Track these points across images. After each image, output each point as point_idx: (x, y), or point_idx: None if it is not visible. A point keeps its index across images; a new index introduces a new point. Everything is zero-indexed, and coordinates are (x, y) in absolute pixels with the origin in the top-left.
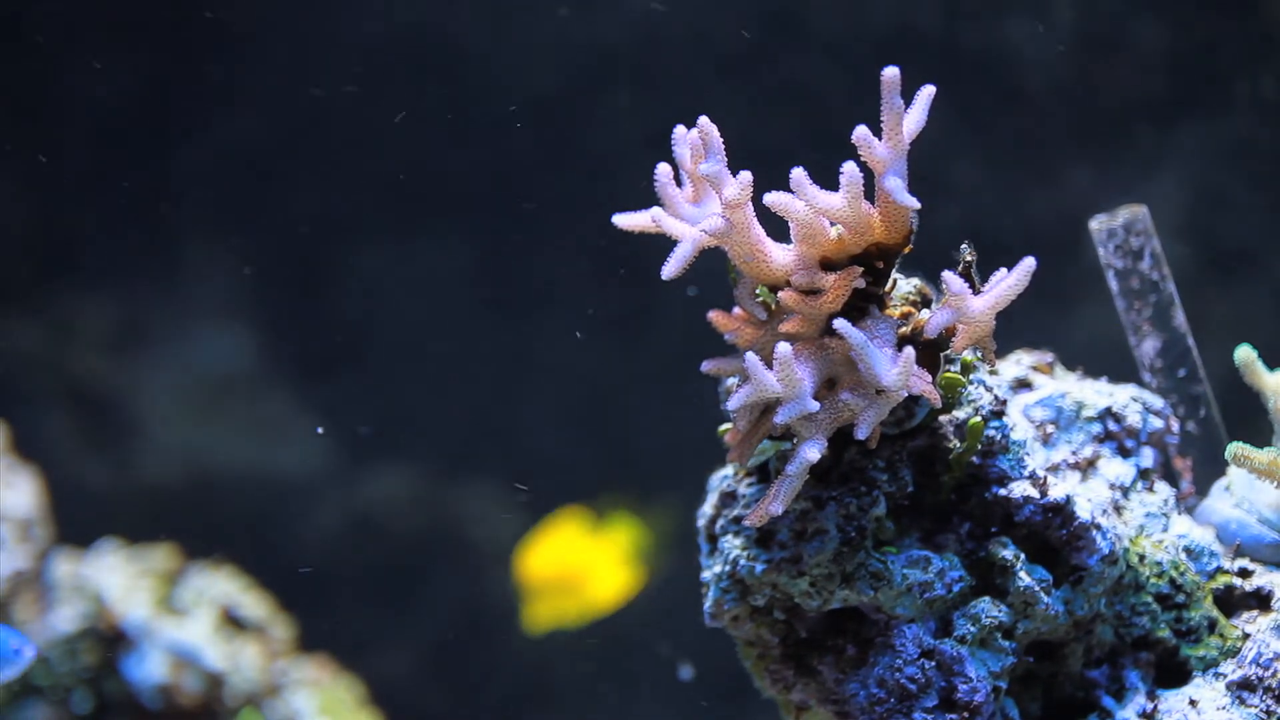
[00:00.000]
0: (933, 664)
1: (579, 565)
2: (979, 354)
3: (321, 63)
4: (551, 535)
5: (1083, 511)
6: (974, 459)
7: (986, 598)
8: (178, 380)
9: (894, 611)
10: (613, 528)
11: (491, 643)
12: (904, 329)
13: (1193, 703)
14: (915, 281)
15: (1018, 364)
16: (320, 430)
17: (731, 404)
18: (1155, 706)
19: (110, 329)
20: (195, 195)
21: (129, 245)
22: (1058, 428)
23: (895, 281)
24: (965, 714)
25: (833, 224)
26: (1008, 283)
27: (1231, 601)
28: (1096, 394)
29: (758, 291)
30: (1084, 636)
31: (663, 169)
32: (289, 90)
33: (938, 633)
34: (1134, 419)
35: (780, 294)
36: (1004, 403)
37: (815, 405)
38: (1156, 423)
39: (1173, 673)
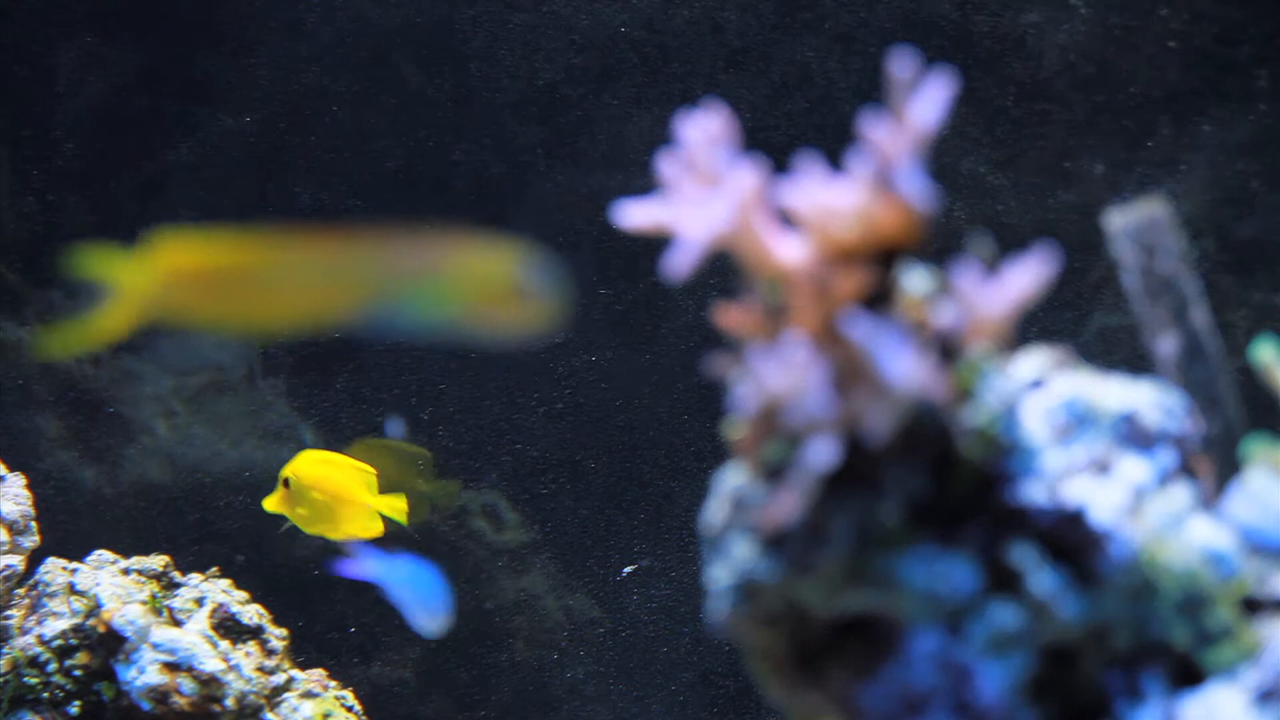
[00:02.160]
0: (945, 670)
1: (339, 489)
2: (992, 352)
3: (321, 54)
4: (327, 456)
5: (1099, 513)
6: (988, 459)
7: (1001, 603)
8: (172, 381)
9: (906, 616)
10: (391, 473)
11: (492, 648)
12: (915, 327)
13: (1210, 709)
14: (929, 278)
15: (1033, 362)
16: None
17: (738, 404)
18: (1172, 713)
19: None
20: (190, 192)
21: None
22: (1074, 427)
23: (907, 278)
24: None
25: (843, 219)
26: (1023, 279)
27: (1251, 606)
28: (1114, 393)
29: (765, 288)
30: (1099, 642)
31: (668, 161)
32: (286, 83)
33: (950, 638)
34: (1152, 418)
35: (789, 290)
36: (1018, 402)
37: (825, 405)
38: (1175, 422)
39: (1190, 678)
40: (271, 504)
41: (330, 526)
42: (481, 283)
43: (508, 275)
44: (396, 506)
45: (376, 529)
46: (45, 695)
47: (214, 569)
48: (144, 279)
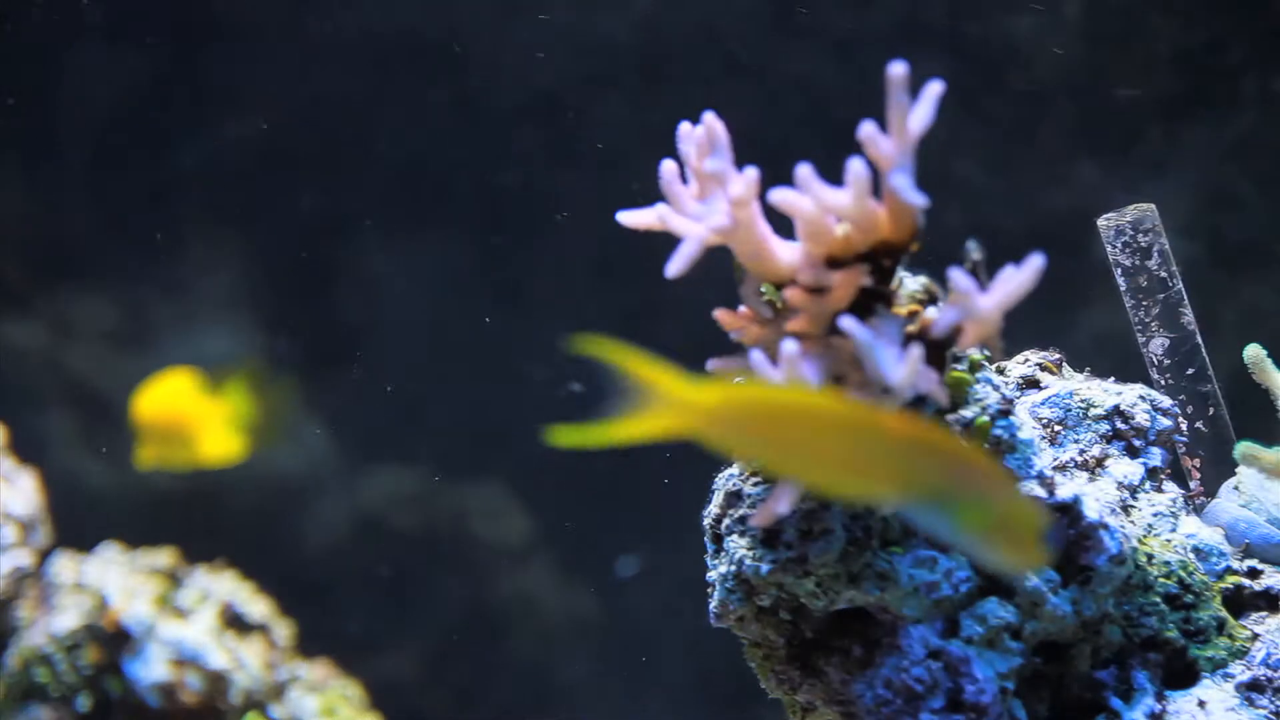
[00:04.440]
0: (940, 665)
1: (190, 416)
2: (986, 353)
3: (323, 58)
4: (166, 382)
5: (1090, 511)
6: None
7: (994, 598)
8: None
9: (901, 612)
10: (229, 390)
11: (494, 644)
12: (911, 327)
13: (1201, 704)
14: (922, 279)
15: (1025, 363)
16: (318, 431)
17: None
18: (1163, 708)
19: (110, 327)
20: (196, 193)
21: (129, 243)
22: (1065, 427)
23: (902, 279)
24: (972, 715)
25: (839, 221)
26: (1016, 281)
27: (1240, 602)
28: (1104, 393)
29: (763, 290)
30: (1092, 637)
31: (668, 166)
32: (290, 86)
33: (945, 633)
34: (1142, 418)
35: (786, 292)
36: (1011, 402)
37: None
38: (1165, 422)
39: (1181, 674)
40: (145, 458)
41: (194, 450)
42: (1011, 522)
43: (1034, 524)
44: (236, 405)
45: (236, 449)
46: (54, 691)
47: (221, 565)
48: (684, 408)
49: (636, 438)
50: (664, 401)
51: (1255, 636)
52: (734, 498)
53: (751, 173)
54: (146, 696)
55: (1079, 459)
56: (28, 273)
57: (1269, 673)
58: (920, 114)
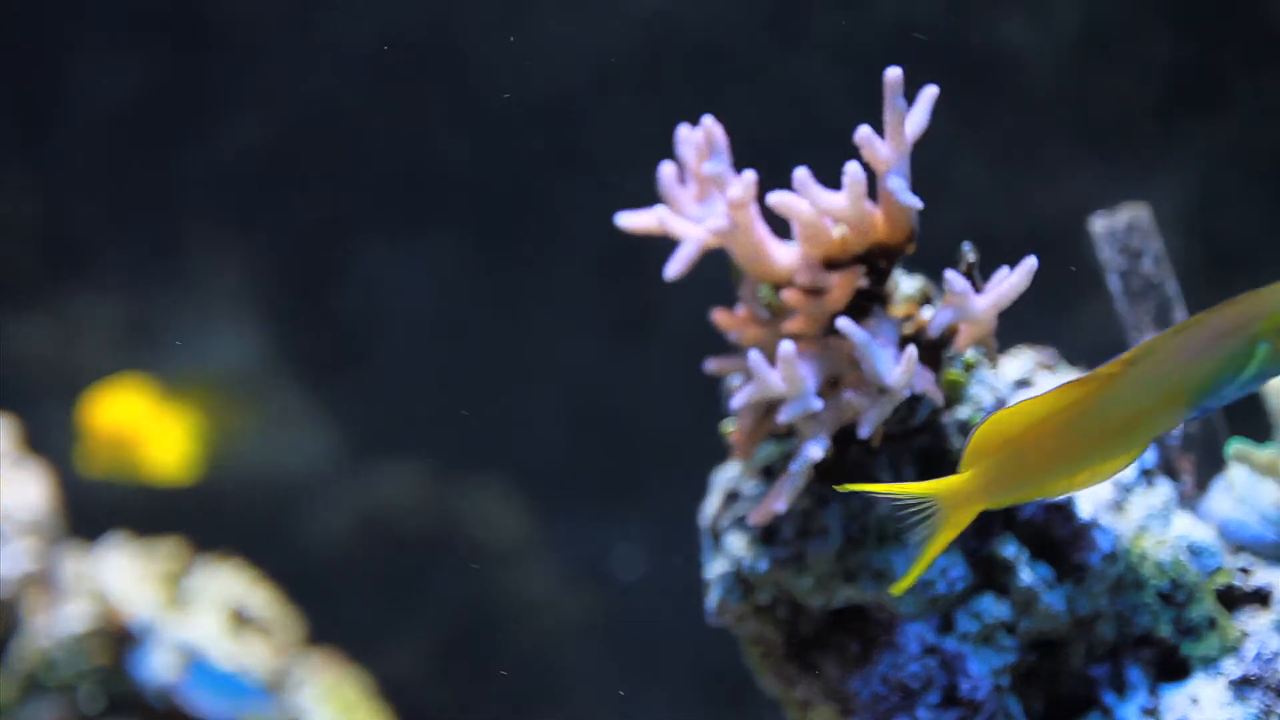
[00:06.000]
0: (935, 661)
1: (138, 429)
2: (981, 353)
3: (327, 62)
4: (118, 393)
5: (1084, 510)
6: None
7: (989, 595)
8: (187, 374)
9: (897, 609)
10: (184, 404)
11: (498, 639)
12: (907, 328)
13: (1194, 700)
14: (918, 281)
15: (1020, 363)
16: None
17: (735, 402)
18: (1156, 704)
19: (118, 327)
20: (203, 194)
21: (137, 243)
22: None
23: (898, 281)
24: (968, 711)
25: (836, 223)
26: (1010, 282)
27: (1232, 599)
28: None
29: (761, 291)
30: (1086, 634)
31: (667, 169)
32: (295, 89)
33: (940, 630)
34: None
35: (783, 293)
36: (1007, 400)
37: (818, 404)
38: None
39: (1174, 670)
40: (90, 467)
41: (142, 461)
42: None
43: None
44: (188, 421)
45: (184, 467)
46: (59, 687)
47: (226, 560)
48: (964, 498)
49: (947, 543)
50: (948, 503)
51: (1247, 633)
52: (732, 496)
53: (749, 175)
54: (151, 694)
55: None
56: (35, 272)
57: (1260, 669)
58: (916, 118)
